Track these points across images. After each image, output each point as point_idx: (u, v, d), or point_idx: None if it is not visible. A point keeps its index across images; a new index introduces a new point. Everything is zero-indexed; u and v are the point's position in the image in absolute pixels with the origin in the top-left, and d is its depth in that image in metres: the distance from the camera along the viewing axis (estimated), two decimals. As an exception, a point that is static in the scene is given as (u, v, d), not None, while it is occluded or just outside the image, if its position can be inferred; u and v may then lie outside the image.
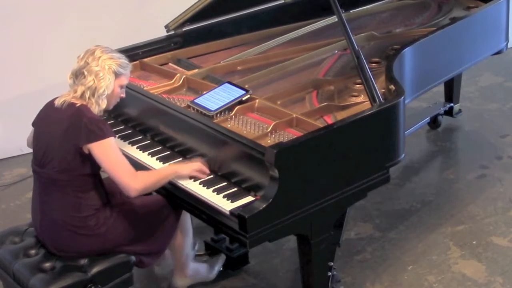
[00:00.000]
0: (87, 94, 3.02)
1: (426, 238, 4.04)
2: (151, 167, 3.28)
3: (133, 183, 2.97)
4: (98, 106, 3.05)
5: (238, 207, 2.92)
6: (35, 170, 3.12)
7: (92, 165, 3.02)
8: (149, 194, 3.36)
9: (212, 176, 3.17)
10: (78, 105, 3.02)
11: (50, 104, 3.12)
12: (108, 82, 3.04)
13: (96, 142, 2.95)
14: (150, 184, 3.04)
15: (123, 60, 3.11)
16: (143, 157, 3.37)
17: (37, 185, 3.15)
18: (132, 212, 3.16)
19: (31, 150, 3.18)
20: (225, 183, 3.10)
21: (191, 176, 3.14)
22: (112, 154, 2.97)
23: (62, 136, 3.00)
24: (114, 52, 3.11)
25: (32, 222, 3.26)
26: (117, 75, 3.07)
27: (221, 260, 3.69)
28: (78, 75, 3.05)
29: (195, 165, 3.15)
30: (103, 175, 3.13)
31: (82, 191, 3.04)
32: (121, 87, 3.13)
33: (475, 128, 5.20)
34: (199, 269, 3.58)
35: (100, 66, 3.03)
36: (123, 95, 3.18)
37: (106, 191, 3.16)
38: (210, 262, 3.67)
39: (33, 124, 3.17)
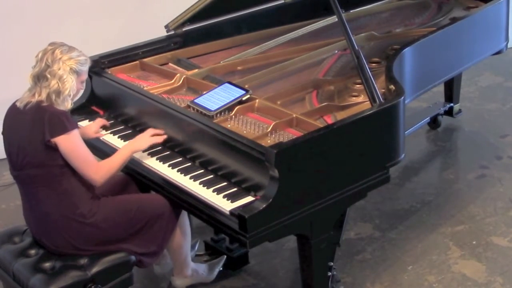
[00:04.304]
0: (53, 97, 3.05)
1: (426, 238, 4.04)
2: (151, 167, 3.28)
3: (97, 176, 3.06)
4: (64, 107, 3.08)
5: (238, 207, 2.92)
6: (15, 175, 3.16)
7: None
8: (148, 192, 3.37)
9: (212, 176, 3.17)
10: (41, 104, 3.05)
11: (13, 108, 3.14)
12: (72, 83, 3.07)
13: (59, 136, 2.99)
14: (114, 172, 3.14)
15: (82, 57, 3.14)
16: (143, 157, 3.36)
17: (21, 189, 3.19)
18: (128, 206, 3.18)
19: (8, 164, 3.19)
20: (225, 183, 3.10)
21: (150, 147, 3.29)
22: (75, 147, 3.03)
23: (29, 134, 3.03)
24: (71, 50, 3.12)
25: (27, 226, 3.27)
26: (78, 73, 3.11)
27: (221, 261, 3.69)
28: (40, 78, 3.07)
29: (147, 134, 3.27)
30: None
31: (65, 179, 3.06)
32: (82, 82, 3.18)
33: (475, 128, 5.20)
34: (198, 270, 3.58)
35: (63, 69, 3.06)
36: (83, 88, 3.23)
37: None
38: (210, 263, 3.67)
39: (2, 133, 3.19)
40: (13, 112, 3.14)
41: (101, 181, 3.08)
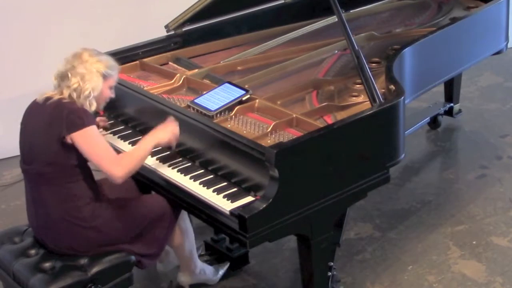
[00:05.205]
0: (74, 95, 3.04)
1: (426, 238, 4.04)
2: (151, 166, 3.28)
3: (117, 171, 2.98)
4: (86, 107, 3.06)
5: (238, 207, 2.92)
6: (24, 168, 3.15)
7: (78, 156, 3.03)
8: (149, 193, 3.37)
9: (212, 176, 3.17)
10: (62, 100, 3.04)
11: (35, 102, 3.14)
12: (94, 84, 3.05)
13: (76, 131, 2.97)
14: (135, 166, 3.05)
15: (111, 62, 3.13)
16: (143, 157, 3.36)
17: (27, 183, 3.18)
18: (130, 209, 3.17)
19: (20, 156, 3.19)
20: (225, 183, 3.10)
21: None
22: (93, 142, 2.99)
23: (45, 129, 3.02)
24: (101, 54, 3.13)
25: (29, 223, 3.26)
26: (105, 77, 3.10)
27: (225, 266, 3.70)
28: (63, 77, 3.07)
29: (168, 125, 3.17)
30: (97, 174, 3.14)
31: (72, 182, 3.05)
32: (110, 88, 3.16)
33: (475, 128, 5.20)
34: (206, 270, 3.59)
35: (87, 69, 3.05)
36: (113, 95, 3.20)
37: (97, 183, 3.18)
38: (216, 266, 3.68)
39: (21, 124, 3.19)
40: (34, 105, 3.13)
41: (122, 175, 2.98)
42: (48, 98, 3.06)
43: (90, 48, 3.14)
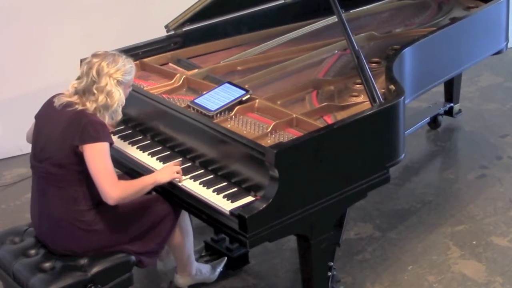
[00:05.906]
0: (101, 110, 3.05)
1: (426, 238, 4.04)
2: (151, 167, 3.28)
3: (112, 192, 2.98)
4: (112, 119, 3.09)
5: (238, 207, 2.93)
6: (33, 164, 3.15)
7: None
8: (149, 193, 3.37)
9: (212, 176, 3.17)
10: (85, 110, 3.04)
11: (53, 105, 3.11)
12: (119, 96, 3.07)
13: (88, 144, 2.97)
14: (129, 195, 3.04)
15: (128, 65, 3.12)
16: (143, 157, 3.37)
17: (35, 180, 3.18)
18: (131, 210, 3.17)
19: (30, 151, 3.18)
20: (225, 183, 3.10)
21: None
22: (99, 159, 2.98)
23: (61, 134, 3.02)
24: (116, 60, 3.09)
25: (31, 221, 3.26)
26: (125, 83, 3.11)
27: (222, 261, 3.69)
28: (86, 92, 3.05)
29: (174, 169, 3.16)
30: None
31: (79, 185, 3.05)
32: (129, 87, 3.19)
33: (475, 128, 5.20)
34: (202, 270, 3.58)
35: (110, 84, 3.04)
36: (131, 89, 3.22)
37: None
38: (212, 264, 3.68)
39: (36, 117, 3.19)
40: (52, 107, 3.11)
41: (114, 197, 2.98)
42: (68, 105, 3.05)
43: (101, 52, 3.10)
